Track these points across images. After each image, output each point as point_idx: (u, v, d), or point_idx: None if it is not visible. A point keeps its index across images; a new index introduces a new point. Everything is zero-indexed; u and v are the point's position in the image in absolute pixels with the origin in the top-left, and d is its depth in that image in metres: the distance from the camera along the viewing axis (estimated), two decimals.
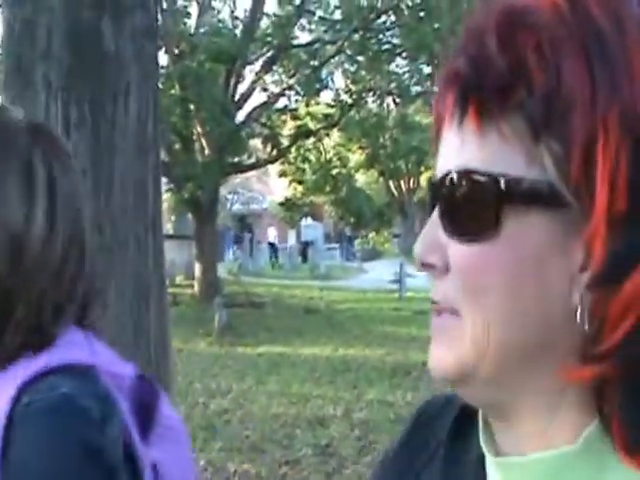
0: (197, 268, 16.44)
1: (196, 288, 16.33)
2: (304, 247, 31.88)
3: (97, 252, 2.42)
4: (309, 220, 36.25)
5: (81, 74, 2.60)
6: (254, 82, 17.04)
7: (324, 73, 17.38)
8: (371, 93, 18.42)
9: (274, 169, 24.85)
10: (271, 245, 32.27)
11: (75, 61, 2.60)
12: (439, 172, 0.56)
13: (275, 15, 16.92)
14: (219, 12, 19.00)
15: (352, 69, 18.20)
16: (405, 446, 0.72)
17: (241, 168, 18.67)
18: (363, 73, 18.02)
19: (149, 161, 2.71)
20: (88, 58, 2.63)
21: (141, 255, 2.61)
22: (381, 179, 36.31)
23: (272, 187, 39.47)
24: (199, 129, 16.19)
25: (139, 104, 2.68)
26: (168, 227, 23.12)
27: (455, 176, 0.53)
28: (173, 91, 15.30)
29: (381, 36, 16.91)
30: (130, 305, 2.54)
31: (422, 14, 14.81)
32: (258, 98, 17.75)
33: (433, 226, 0.55)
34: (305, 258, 30.24)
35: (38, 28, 2.57)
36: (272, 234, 34.94)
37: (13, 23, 2.62)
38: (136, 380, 0.97)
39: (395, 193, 37.74)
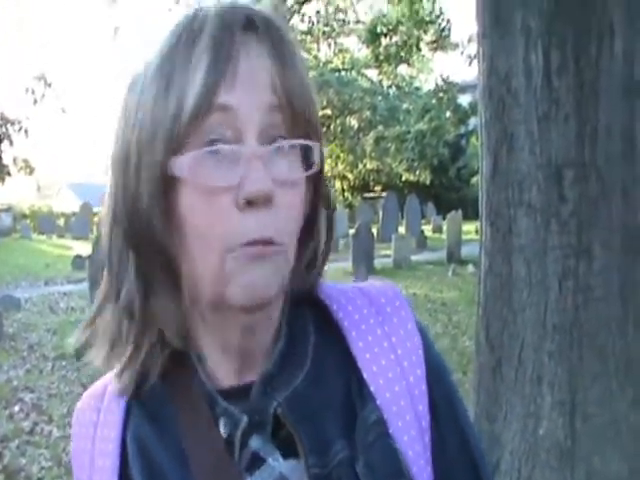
0: None
1: None
2: None
3: (581, 202, 2.35)
4: None
5: (561, 16, 2.49)
6: None
7: None
8: None
9: None
10: None
11: (554, 4, 2.50)
12: None
13: None
14: None
15: None
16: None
17: None
18: None
19: (636, 106, 2.47)
20: (568, 0, 2.50)
21: (628, 206, 2.42)
22: None
23: None
24: None
25: (624, 44, 2.46)
26: None
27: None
28: None
29: None
30: (617, 258, 2.38)
31: None
32: None
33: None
34: None
35: None
36: None
37: None
38: None
39: None
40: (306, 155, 0.74)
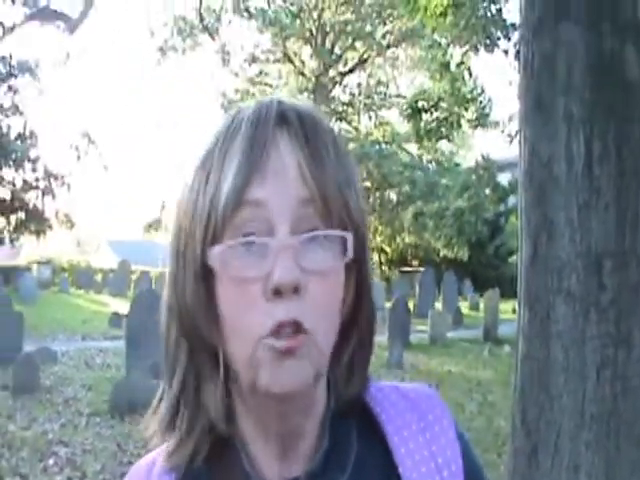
0: None
1: None
2: None
3: (621, 290, 2.35)
4: None
5: (603, 106, 2.53)
6: None
7: None
8: None
9: None
10: None
11: (597, 93, 2.55)
12: None
13: None
14: None
15: None
16: None
17: None
18: None
19: None
20: (610, 89, 2.55)
21: None
22: None
23: None
24: None
25: None
26: None
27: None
28: None
29: None
30: None
31: None
32: None
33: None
34: None
35: (558, 62, 2.59)
36: None
37: (532, 60, 2.69)
38: None
39: None
40: (345, 243, 0.75)
